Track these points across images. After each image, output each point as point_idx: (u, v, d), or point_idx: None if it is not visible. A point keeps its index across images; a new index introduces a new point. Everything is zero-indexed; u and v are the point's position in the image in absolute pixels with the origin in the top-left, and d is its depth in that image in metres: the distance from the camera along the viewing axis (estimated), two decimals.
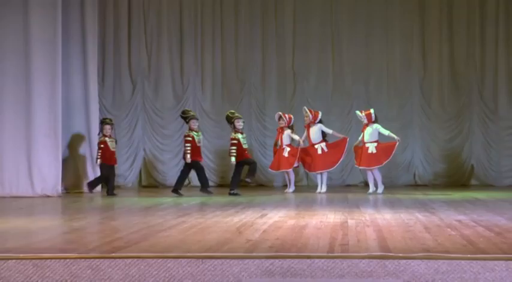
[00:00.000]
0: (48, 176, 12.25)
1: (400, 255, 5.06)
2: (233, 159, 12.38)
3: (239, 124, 12.57)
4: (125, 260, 5.01)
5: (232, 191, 12.25)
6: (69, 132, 13.25)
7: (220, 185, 14.81)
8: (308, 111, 12.88)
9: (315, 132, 12.82)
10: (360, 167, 12.72)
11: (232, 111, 13.09)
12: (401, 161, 15.20)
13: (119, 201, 11.20)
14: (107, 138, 12.58)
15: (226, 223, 7.53)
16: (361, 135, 12.55)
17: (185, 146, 12.30)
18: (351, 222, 7.56)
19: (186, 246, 5.69)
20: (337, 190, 13.40)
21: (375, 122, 12.53)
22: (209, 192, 12.20)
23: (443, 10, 15.32)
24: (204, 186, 12.33)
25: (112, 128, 12.82)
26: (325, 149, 12.74)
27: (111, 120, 13.00)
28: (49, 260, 5.02)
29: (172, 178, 15.28)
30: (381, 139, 12.56)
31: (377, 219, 7.80)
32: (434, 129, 15.35)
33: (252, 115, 15.45)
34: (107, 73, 15.34)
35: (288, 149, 12.90)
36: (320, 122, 12.88)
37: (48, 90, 12.32)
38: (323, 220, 7.75)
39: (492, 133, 15.21)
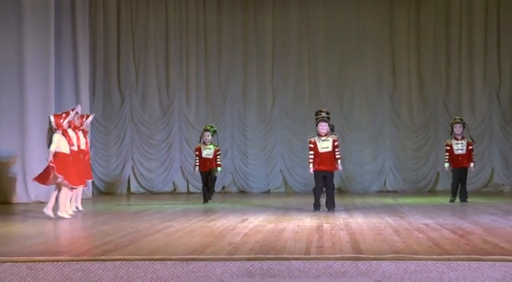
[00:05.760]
0: None
1: (372, 256, 5.08)
2: (446, 165, 11.42)
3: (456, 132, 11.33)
4: (114, 262, 4.99)
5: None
6: None
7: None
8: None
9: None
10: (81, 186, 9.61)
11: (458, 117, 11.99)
12: (373, 168, 15.34)
13: (108, 207, 11.13)
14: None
15: (210, 227, 7.52)
16: None
17: (309, 154, 9.70)
18: (326, 226, 7.58)
19: (171, 249, 5.68)
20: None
21: None
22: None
23: (411, 33, 15.48)
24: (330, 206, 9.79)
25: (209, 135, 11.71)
26: None
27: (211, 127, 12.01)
28: (42, 263, 4.99)
29: (158, 185, 15.33)
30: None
31: (350, 223, 7.83)
32: (403, 139, 15.47)
33: (234, 126, 15.47)
34: (97, 87, 15.31)
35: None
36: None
37: (41, 104, 12.22)
38: (300, 224, 7.77)
39: None
